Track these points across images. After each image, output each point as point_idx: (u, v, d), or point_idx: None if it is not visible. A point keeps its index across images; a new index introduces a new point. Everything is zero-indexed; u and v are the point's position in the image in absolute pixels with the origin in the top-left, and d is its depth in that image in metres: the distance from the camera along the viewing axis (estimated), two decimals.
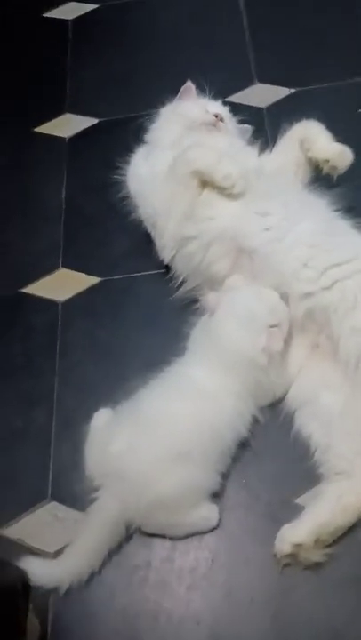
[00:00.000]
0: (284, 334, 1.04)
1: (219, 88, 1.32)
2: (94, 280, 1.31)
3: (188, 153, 1.12)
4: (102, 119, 1.55)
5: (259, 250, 1.07)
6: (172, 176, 1.13)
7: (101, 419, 1.07)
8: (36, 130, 1.55)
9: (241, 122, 1.32)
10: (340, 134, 1.17)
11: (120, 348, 1.21)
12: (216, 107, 1.27)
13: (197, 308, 1.15)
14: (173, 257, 1.18)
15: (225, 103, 1.33)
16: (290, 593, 0.93)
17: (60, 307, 1.28)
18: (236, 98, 1.50)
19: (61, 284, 1.31)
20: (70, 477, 1.05)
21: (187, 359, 1.07)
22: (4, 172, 1.51)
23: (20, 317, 1.28)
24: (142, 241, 1.26)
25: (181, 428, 0.97)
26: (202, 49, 1.64)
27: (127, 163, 1.24)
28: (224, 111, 1.28)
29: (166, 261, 1.20)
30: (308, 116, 1.20)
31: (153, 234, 1.21)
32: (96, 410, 1.08)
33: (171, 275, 1.20)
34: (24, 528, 1.04)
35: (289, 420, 1.05)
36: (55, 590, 0.95)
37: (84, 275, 1.32)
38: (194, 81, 1.32)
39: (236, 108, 1.35)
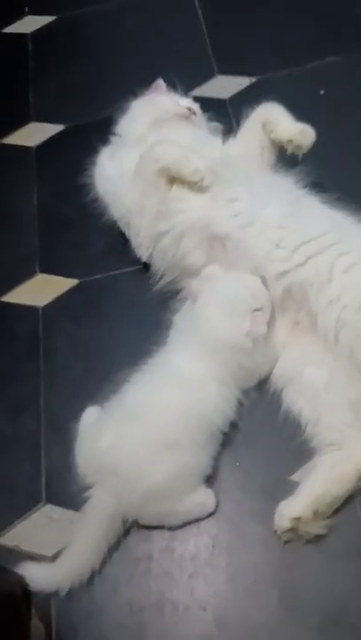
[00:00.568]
0: (268, 318, 1.04)
1: (182, 84, 1.33)
2: (73, 282, 1.31)
3: (155, 150, 1.12)
4: (68, 125, 1.56)
5: (230, 236, 1.08)
6: (140, 174, 1.13)
7: (90, 417, 1.06)
8: (3, 142, 1.56)
9: (209, 118, 1.33)
10: (304, 117, 1.18)
11: (104, 347, 1.21)
12: (188, 101, 1.29)
13: (178, 300, 1.16)
14: (151, 254, 1.18)
15: (193, 99, 1.34)
16: (293, 569, 0.93)
17: (40, 312, 1.27)
18: (198, 92, 1.51)
19: (40, 290, 1.31)
20: (63, 478, 1.04)
21: (169, 347, 1.07)
22: None
23: (1, 326, 1.27)
24: (117, 240, 1.27)
25: (168, 416, 0.97)
26: (162, 49, 1.65)
27: (93, 164, 1.24)
28: (195, 107, 1.29)
29: (144, 259, 1.20)
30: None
31: (127, 233, 1.21)
32: (84, 410, 1.07)
33: (149, 270, 1.21)
34: (20, 534, 1.03)
35: (277, 399, 1.05)
36: (56, 593, 0.94)
37: (62, 278, 1.31)
38: (165, 78, 1.33)
39: (199, 101, 1.35)
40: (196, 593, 0.94)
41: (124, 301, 1.25)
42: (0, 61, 1.75)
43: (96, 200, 1.23)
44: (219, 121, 1.32)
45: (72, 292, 1.30)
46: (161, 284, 1.19)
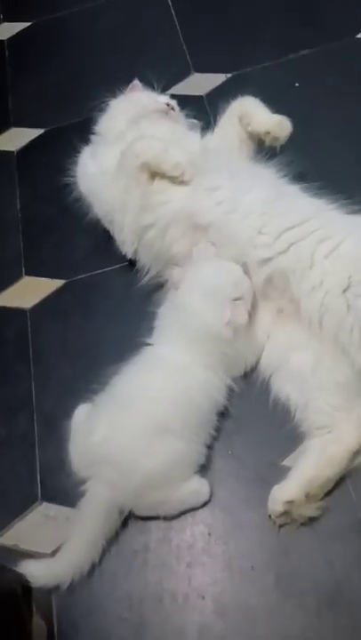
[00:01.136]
0: (249, 307, 1.05)
1: (158, 82, 1.35)
2: (59, 283, 1.31)
3: (135, 146, 1.13)
4: (48, 128, 1.57)
5: (214, 224, 1.09)
6: (122, 171, 1.14)
7: (82, 414, 1.07)
8: None
9: (187, 115, 1.34)
10: (280, 109, 1.20)
11: (93, 344, 1.21)
12: (166, 98, 1.31)
13: (163, 293, 1.16)
14: (135, 249, 1.19)
15: (170, 97, 1.35)
16: (289, 552, 0.94)
17: (27, 314, 1.28)
18: (175, 89, 1.53)
19: (26, 292, 1.31)
20: (58, 476, 1.05)
21: (155, 338, 1.08)
22: None
23: None
24: (101, 238, 1.28)
25: (158, 405, 0.98)
26: (137, 49, 1.67)
27: (75, 164, 1.25)
28: (173, 102, 1.31)
29: (129, 255, 1.21)
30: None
31: (111, 230, 1.22)
32: (76, 407, 1.08)
33: (135, 266, 1.22)
34: (18, 533, 1.04)
35: (265, 386, 1.06)
36: (57, 588, 0.94)
37: (48, 279, 1.32)
38: (141, 78, 1.34)
39: (176, 99, 1.37)
40: (195, 582, 0.95)
41: (111, 299, 1.26)
42: None
43: (79, 199, 1.24)
44: (196, 117, 1.33)
45: (58, 292, 1.30)
46: (147, 278, 1.20)
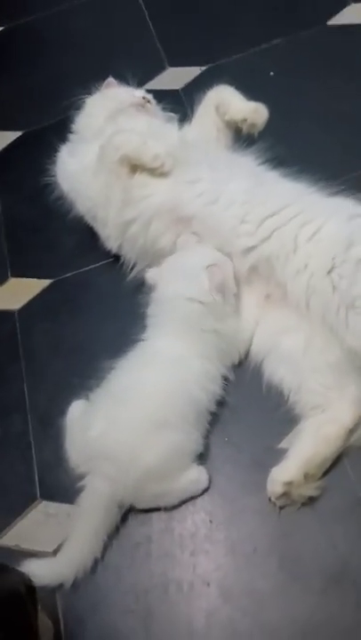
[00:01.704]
0: (228, 268, 1.05)
1: (133, 79, 1.35)
2: (46, 283, 1.31)
3: (114, 139, 1.13)
4: (26, 130, 1.57)
5: (196, 215, 1.09)
6: (102, 166, 1.14)
7: (76, 410, 1.07)
8: None
9: (163, 109, 1.34)
10: (257, 98, 1.20)
11: (83, 341, 1.21)
12: (142, 92, 1.31)
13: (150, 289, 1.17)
14: (120, 244, 1.19)
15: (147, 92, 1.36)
16: (291, 534, 0.94)
17: (16, 315, 1.28)
18: (151, 85, 1.53)
19: (14, 293, 1.31)
20: (56, 474, 1.05)
21: (149, 334, 1.08)
22: None
23: None
24: (86, 236, 1.28)
25: (155, 397, 0.98)
26: (111, 48, 1.68)
27: (54, 163, 1.25)
28: (150, 96, 1.31)
29: (114, 250, 1.21)
30: None
31: (95, 226, 1.22)
32: (70, 404, 1.08)
33: (120, 261, 1.22)
34: (19, 533, 1.03)
35: (258, 372, 1.06)
36: (61, 586, 0.94)
37: (34, 280, 1.32)
38: (116, 76, 1.34)
39: (152, 94, 1.37)
40: (199, 569, 0.95)
41: (99, 295, 1.26)
42: None
43: (61, 198, 1.24)
44: (173, 111, 1.33)
45: (46, 292, 1.30)
46: (133, 273, 1.20)
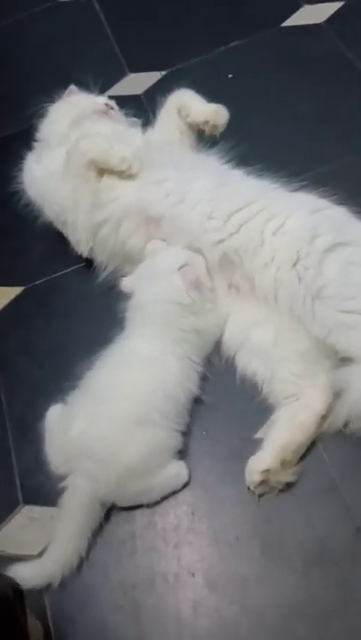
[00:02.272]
0: (199, 264, 1.08)
1: (95, 86, 1.36)
2: (17, 290, 1.32)
3: (80, 144, 1.15)
4: None
5: (165, 215, 1.12)
6: (70, 170, 1.16)
7: (54, 414, 1.08)
8: None
9: (126, 114, 1.36)
10: (217, 100, 1.24)
11: (59, 346, 1.22)
12: (104, 99, 1.33)
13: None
14: (91, 247, 1.21)
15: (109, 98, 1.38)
16: (271, 520, 0.97)
17: None
18: (112, 91, 1.56)
19: None
20: (37, 478, 1.06)
21: (127, 333, 1.09)
22: None
23: None
24: (55, 241, 1.29)
25: (134, 395, 1.00)
26: (71, 56, 1.70)
27: (20, 170, 1.26)
28: (112, 102, 1.33)
29: (85, 254, 1.23)
30: None
31: (65, 231, 1.24)
32: (47, 409, 1.09)
33: (92, 266, 1.23)
34: (4, 539, 1.03)
35: (231, 365, 1.09)
36: (48, 587, 0.95)
37: (5, 288, 1.32)
38: (78, 83, 1.36)
39: (114, 100, 1.39)
40: (184, 561, 0.96)
41: (72, 299, 1.27)
42: None
43: (29, 205, 1.25)
44: (136, 116, 1.36)
45: (18, 299, 1.31)
46: (105, 275, 1.22)
